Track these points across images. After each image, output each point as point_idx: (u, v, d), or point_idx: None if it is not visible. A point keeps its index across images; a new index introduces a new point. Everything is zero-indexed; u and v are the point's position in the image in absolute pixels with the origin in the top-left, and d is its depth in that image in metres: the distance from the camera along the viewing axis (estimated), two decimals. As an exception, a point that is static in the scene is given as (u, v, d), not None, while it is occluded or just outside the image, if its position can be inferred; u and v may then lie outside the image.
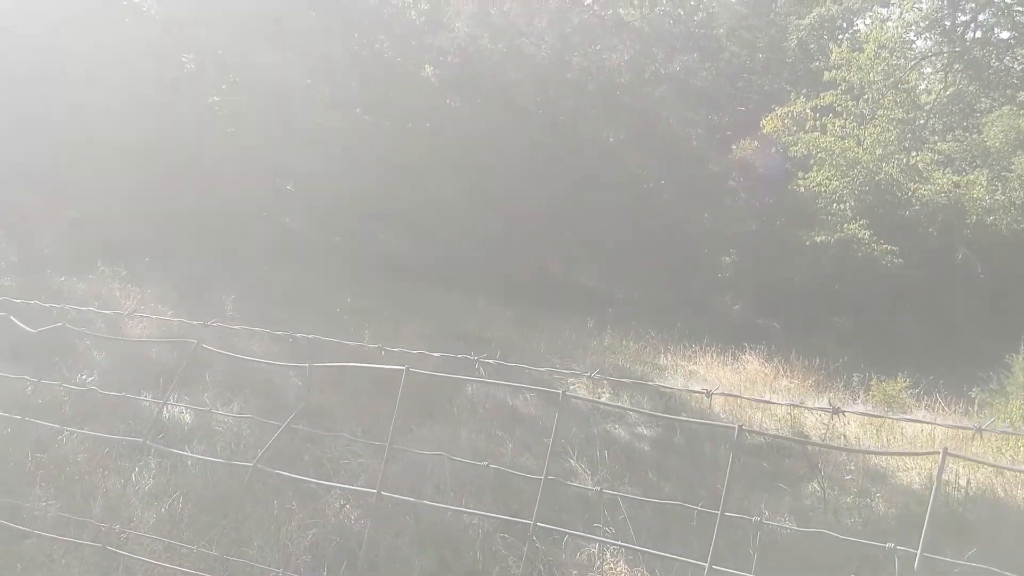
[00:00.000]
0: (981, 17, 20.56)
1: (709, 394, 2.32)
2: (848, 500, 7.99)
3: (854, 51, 21.86)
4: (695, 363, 14.49)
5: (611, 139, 23.59)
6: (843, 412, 2.26)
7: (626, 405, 10.52)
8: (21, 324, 3.24)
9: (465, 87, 22.74)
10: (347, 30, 21.39)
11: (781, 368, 14.27)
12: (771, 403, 8.83)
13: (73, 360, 7.72)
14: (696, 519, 4.29)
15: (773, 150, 23.50)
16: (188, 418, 7.06)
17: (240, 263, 15.37)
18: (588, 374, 2.71)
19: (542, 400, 9.43)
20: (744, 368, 14.12)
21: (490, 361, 2.81)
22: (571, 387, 11.06)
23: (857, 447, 9.48)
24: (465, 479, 6.36)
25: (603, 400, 10.47)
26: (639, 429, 9.82)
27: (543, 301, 18.46)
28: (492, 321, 15.61)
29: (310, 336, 3.28)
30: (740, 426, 2.20)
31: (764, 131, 22.63)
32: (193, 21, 17.43)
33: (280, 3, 18.82)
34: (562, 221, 22.00)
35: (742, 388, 12.60)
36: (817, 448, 9.23)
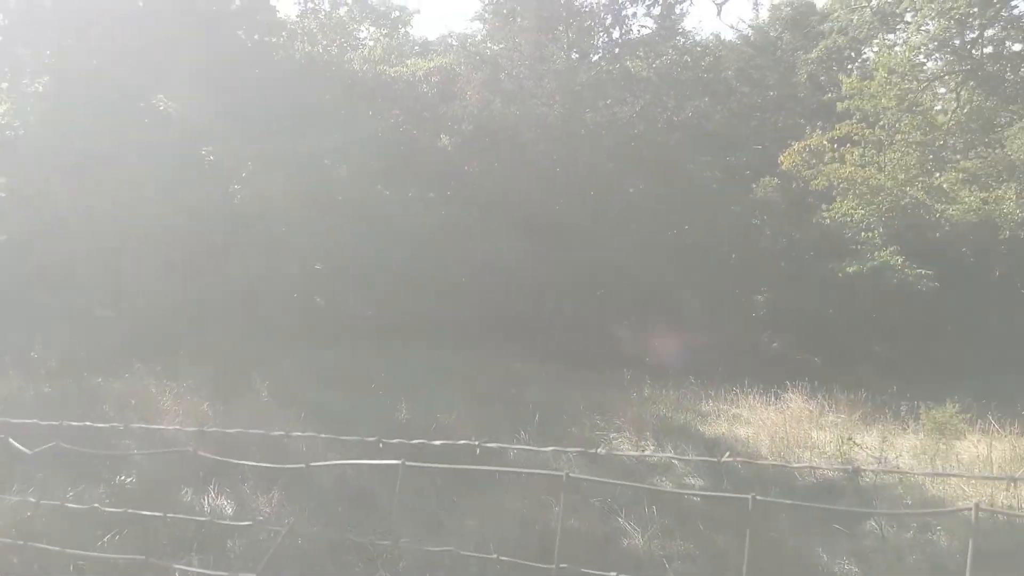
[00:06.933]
0: (990, 32, 20.38)
1: (720, 460, 2.24)
2: (909, 536, 7.73)
3: (864, 79, 21.80)
4: (738, 406, 14.23)
5: (631, 189, 23.62)
6: (862, 471, 2.16)
7: (670, 455, 10.33)
8: (18, 445, 3.24)
9: (481, 152, 22.98)
10: (363, 109, 21.76)
11: (826, 403, 13.95)
12: (788, 466, 8.64)
13: (112, 462, 7.71)
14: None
15: (793, 185, 23.38)
16: (229, 510, 7.02)
17: (273, 346, 15.44)
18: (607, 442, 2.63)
19: (585, 460, 9.26)
20: (788, 407, 13.81)
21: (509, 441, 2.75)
22: (613, 442, 10.92)
23: (908, 480, 9.20)
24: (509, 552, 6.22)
25: (647, 452, 10.29)
26: (687, 480, 9.61)
27: (578, 357, 18.33)
28: (528, 382, 15.47)
29: (306, 434, 3.23)
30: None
31: (783, 167, 22.52)
32: (211, 115, 17.80)
33: (294, 89, 19.20)
34: (589, 276, 21.95)
35: (788, 427, 12.31)
36: (869, 484, 8.98)
